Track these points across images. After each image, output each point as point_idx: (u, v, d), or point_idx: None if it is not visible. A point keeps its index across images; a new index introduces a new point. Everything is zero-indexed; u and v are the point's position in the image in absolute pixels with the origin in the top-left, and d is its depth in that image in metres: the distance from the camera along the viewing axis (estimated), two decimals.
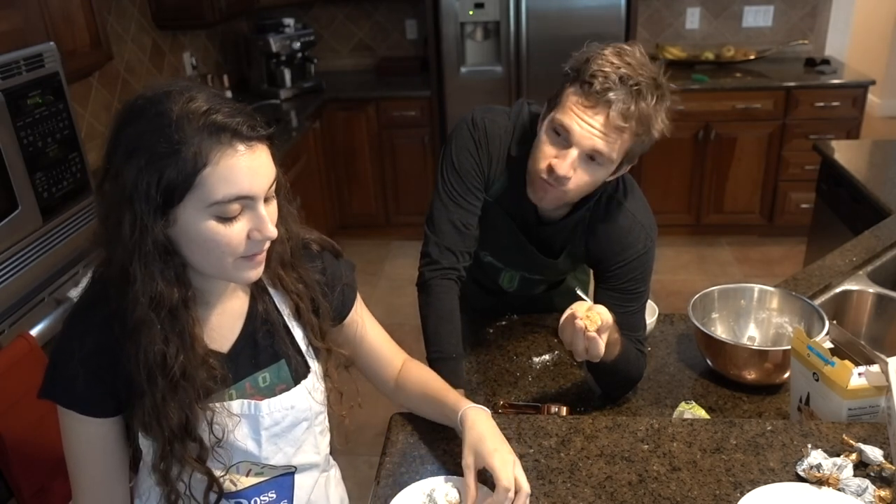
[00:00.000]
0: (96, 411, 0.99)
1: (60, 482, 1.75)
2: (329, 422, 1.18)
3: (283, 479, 1.12)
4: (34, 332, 1.85)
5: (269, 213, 0.95)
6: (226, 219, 0.91)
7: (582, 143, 1.26)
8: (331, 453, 1.23)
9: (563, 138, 1.28)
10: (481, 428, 1.10)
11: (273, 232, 0.94)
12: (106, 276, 0.96)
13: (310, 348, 1.11)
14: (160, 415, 0.96)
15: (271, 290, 1.09)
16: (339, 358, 1.15)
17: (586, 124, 1.25)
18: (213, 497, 1.03)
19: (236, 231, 0.92)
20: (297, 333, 1.10)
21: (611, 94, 1.22)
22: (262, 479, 1.09)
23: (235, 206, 0.91)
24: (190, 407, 0.97)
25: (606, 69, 1.22)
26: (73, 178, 2.06)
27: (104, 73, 2.96)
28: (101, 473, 1.04)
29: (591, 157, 1.28)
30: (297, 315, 1.09)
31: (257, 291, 1.08)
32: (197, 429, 0.99)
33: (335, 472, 1.28)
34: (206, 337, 1.01)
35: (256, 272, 0.98)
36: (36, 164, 1.91)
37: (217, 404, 1.01)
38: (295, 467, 1.12)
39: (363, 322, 1.23)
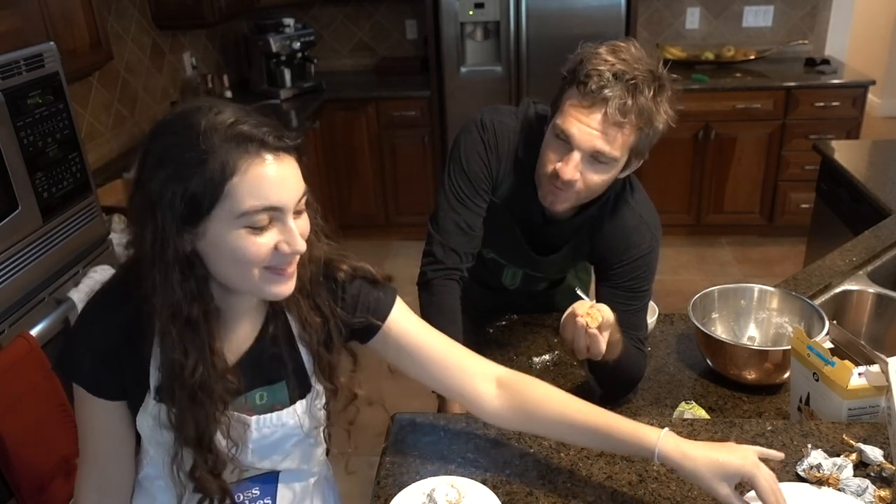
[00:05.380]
0: (101, 394, 1.02)
1: (60, 482, 1.75)
2: (328, 429, 1.16)
3: (267, 477, 1.13)
4: (34, 332, 1.85)
5: (299, 227, 0.94)
6: (255, 229, 0.91)
7: (582, 144, 1.26)
8: (327, 455, 1.23)
9: (565, 142, 1.29)
10: (697, 452, 1.03)
11: (301, 245, 0.94)
12: (130, 279, 0.97)
13: (316, 368, 1.10)
14: (179, 422, 0.98)
15: (287, 313, 1.08)
16: (349, 393, 1.12)
17: (584, 125, 1.25)
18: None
19: (264, 242, 0.92)
20: (304, 353, 1.09)
21: (606, 92, 1.22)
22: (245, 475, 1.11)
23: (264, 217, 0.90)
24: (207, 419, 0.99)
25: (601, 67, 1.23)
26: (73, 178, 2.06)
27: (104, 73, 2.96)
28: (105, 450, 1.07)
29: (595, 158, 1.28)
30: (307, 341, 1.08)
31: (273, 313, 1.07)
32: (213, 440, 1.00)
33: (328, 475, 1.27)
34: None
35: (287, 287, 0.97)
36: (36, 164, 1.91)
37: (234, 413, 1.03)
38: (279, 471, 1.14)
39: (411, 338, 1.14)
